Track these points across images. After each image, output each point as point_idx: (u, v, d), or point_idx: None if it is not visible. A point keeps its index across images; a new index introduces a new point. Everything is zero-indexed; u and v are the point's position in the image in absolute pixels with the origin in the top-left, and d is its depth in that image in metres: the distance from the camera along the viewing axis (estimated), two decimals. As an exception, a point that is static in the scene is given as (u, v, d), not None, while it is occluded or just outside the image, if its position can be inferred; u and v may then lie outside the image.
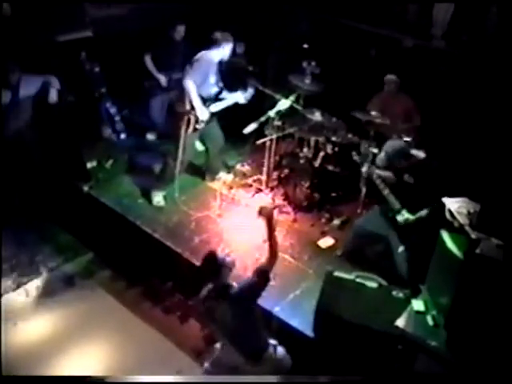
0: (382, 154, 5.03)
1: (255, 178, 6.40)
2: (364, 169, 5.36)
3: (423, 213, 4.93)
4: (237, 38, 7.37)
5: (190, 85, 5.66)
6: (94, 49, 6.66)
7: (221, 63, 5.92)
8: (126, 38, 6.92)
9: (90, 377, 4.50)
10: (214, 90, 5.95)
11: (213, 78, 5.88)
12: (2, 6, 6.11)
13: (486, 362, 3.82)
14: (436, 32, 6.96)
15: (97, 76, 6.74)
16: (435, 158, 5.63)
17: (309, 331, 4.63)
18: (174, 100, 6.48)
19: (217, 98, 5.97)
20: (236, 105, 6.09)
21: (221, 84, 5.99)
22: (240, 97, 6.05)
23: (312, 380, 4.51)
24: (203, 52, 5.78)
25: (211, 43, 5.77)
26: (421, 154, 4.94)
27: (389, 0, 7.22)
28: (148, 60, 6.85)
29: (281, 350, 4.12)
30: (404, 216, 5.07)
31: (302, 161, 6.18)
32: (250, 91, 6.08)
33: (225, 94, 6.03)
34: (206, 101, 5.79)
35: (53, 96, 6.03)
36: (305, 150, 6.23)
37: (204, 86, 5.77)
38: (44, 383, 4.07)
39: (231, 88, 6.10)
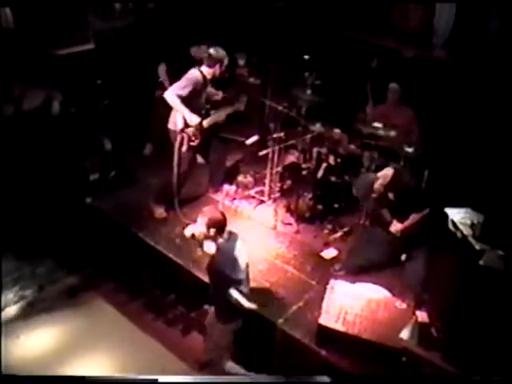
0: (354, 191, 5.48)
1: (258, 189, 6.39)
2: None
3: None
4: (237, 49, 7.48)
5: (174, 98, 5.53)
6: (96, 61, 6.68)
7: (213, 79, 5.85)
8: (129, 50, 6.95)
9: (90, 377, 4.48)
10: (204, 106, 5.85)
11: (202, 95, 5.79)
12: (6, 20, 6.14)
13: (489, 371, 3.80)
14: (437, 42, 6.97)
15: (99, 89, 6.76)
16: (436, 169, 5.70)
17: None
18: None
19: (206, 115, 5.87)
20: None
21: (208, 105, 5.90)
22: (232, 110, 6.02)
23: (311, 380, 4.51)
24: (194, 69, 5.68)
25: (205, 60, 5.70)
26: (389, 172, 5.14)
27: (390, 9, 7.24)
28: (163, 70, 6.85)
29: None
30: (395, 226, 5.23)
31: (304, 172, 6.17)
32: (243, 101, 6.06)
33: (212, 112, 5.94)
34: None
35: (55, 108, 6.04)
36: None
37: (192, 104, 5.65)
38: (44, 383, 4.07)
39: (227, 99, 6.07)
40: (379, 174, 5.21)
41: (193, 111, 5.63)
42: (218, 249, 4.36)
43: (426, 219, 5.15)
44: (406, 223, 5.21)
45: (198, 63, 6.01)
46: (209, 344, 4.83)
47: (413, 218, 5.18)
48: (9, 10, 6.11)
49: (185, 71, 5.75)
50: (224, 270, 4.31)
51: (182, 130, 5.66)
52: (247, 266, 4.52)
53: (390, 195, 5.20)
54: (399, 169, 5.31)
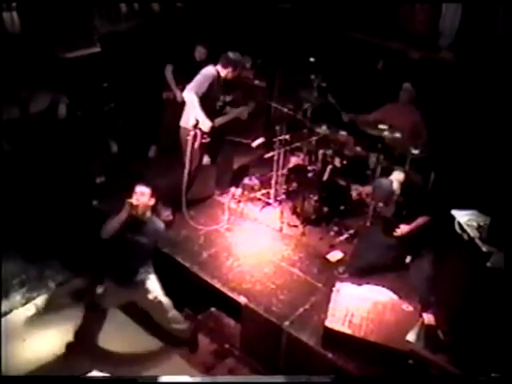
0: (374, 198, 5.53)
1: (264, 191, 6.39)
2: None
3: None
4: (243, 51, 7.49)
5: (193, 97, 5.63)
6: (102, 64, 6.70)
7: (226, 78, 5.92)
8: (135, 53, 6.97)
9: (89, 377, 4.49)
10: (218, 103, 5.95)
11: (217, 93, 5.89)
12: (12, 24, 6.17)
13: (496, 374, 3.78)
14: (443, 43, 6.95)
15: (105, 91, 6.79)
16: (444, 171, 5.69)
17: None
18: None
19: (220, 112, 5.97)
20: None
21: (225, 98, 6.00)
22: (242, 112, 6.07)
23: (311, 380, 4.51)
24: (210, 66, 5.80)
25: (221, 60, 5.80)
26: (400, 176, 5.25)
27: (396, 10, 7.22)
28: (169, 71, 6.90)
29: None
30: (401, 229, 5.27)
31: (310, 174, 6.17)
32: (251, 105, 6.12)
33: (228, 108, 6.04)
34: (209, 114, 5.75)
35: (62, 111, 6.07)
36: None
37: (208, 100, 5.75)
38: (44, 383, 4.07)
39: (235, 102, 6.12)
40: (392, 178, 5.23)
41: (207, 108, 5.70)
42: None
43: (428, 224, 5.19)
44: (412, 226, 5.23)
45: (199, 62, 6.22)
46: None
47: (418, 221, 5.21)
48: (15, 13, 6.14)
49: (191, 72, 5.81)
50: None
51: (195, 126, 5.71)
52: None
53: (400, 198, 5.22)
54: (409, 172, 5.32)
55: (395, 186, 5.18)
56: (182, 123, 5.88)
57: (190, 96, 5.65)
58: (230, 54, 5.80)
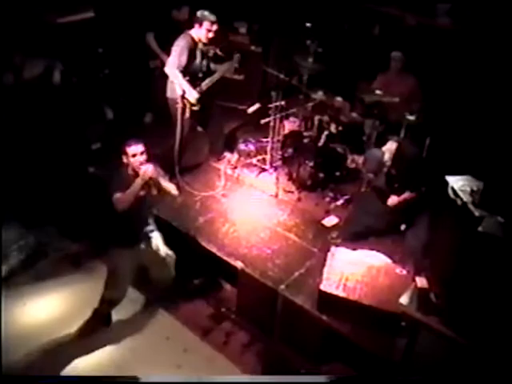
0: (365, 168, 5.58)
1: (259, 157, 6.41)
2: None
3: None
4: (238, 17, 7.43)
5: (175, 72, 5.61)
6: (97, 29, 6.64)
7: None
8: (130, 18, 6.89)
9: (90, 377, 4.57)
10: (201, 68, 5.89)
11: (198, 57, 5.82)
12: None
13: (487, 338, 3.86)
14: (441, 8, 6.89)
15: (100, 57, 6.73)
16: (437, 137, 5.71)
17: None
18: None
19: (204, 76, 5.92)
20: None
21: (206, 61, 5.93)
22: (227, 68, 6.03)
23: (309, 380, 4.60)
24: (184, 33, 5.70)
25: (194, 22, 5.71)
26: (393, 146, 5.27)
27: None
28: (151, 39, 6.82)
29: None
30: (392, 199, 5.32)
31: (305, 140, 6.18)
32: (236, 58, 6.03)
33: (213, 66, 5.99)
34: (193, 81, 5.73)
35: (56, 78, 6.04)
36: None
37: (190, 68, 5.71)
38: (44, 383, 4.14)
39: (218, 58, 6.04)
40: (384, 149, 5.25)
41: (190, 76, 5.67)
42: None
43: (415, 199, 5.26)
44: (402, 197, 5.27)
45: (180, 26, 6.08)
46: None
47: (405, 195, 5.26)
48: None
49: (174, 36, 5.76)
50: None
51: (183, 97, 5.68)
52: None
53: (392, 169, 5.25)
54: (402, 142, 5.34)
55: (386, 156, 5.20)
56: (169, 94, 5.85)
57: (171, 71, 5.64)
58: (198, 13, 5.69)
